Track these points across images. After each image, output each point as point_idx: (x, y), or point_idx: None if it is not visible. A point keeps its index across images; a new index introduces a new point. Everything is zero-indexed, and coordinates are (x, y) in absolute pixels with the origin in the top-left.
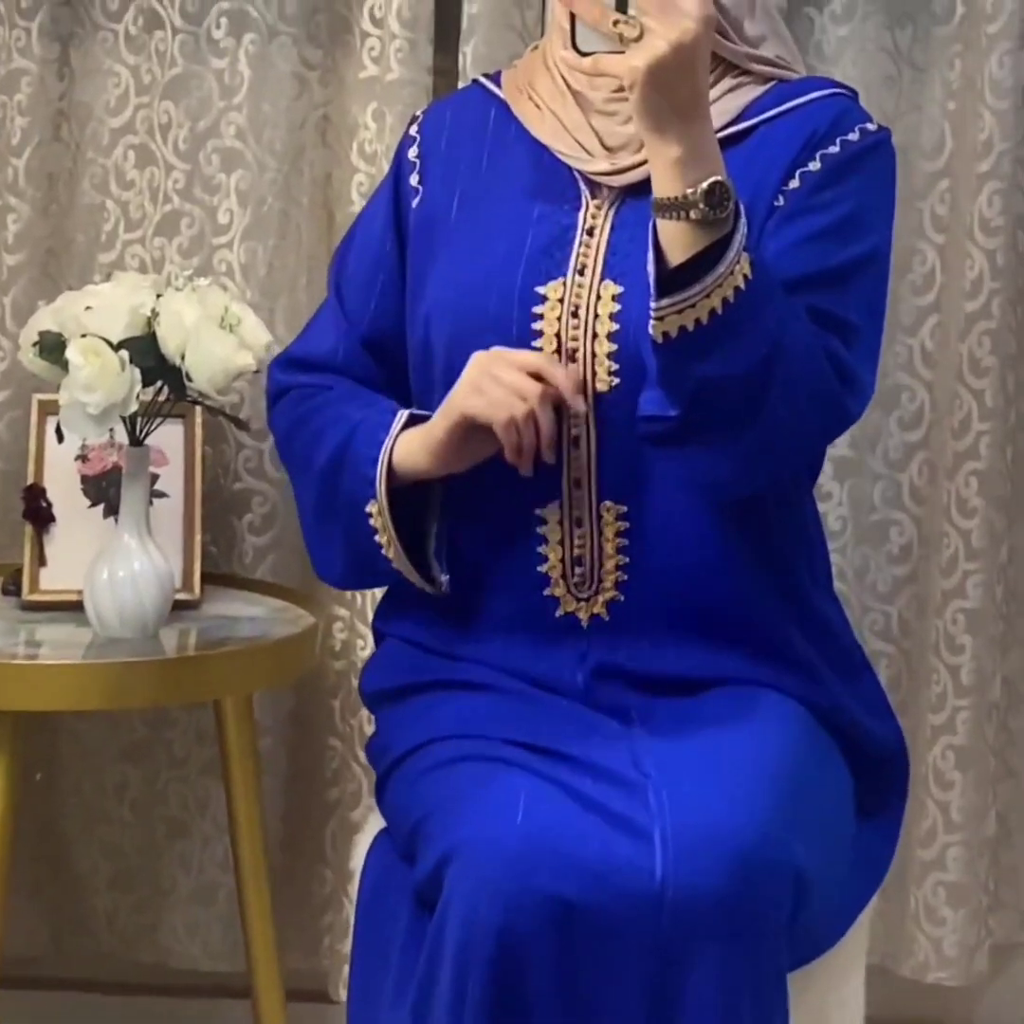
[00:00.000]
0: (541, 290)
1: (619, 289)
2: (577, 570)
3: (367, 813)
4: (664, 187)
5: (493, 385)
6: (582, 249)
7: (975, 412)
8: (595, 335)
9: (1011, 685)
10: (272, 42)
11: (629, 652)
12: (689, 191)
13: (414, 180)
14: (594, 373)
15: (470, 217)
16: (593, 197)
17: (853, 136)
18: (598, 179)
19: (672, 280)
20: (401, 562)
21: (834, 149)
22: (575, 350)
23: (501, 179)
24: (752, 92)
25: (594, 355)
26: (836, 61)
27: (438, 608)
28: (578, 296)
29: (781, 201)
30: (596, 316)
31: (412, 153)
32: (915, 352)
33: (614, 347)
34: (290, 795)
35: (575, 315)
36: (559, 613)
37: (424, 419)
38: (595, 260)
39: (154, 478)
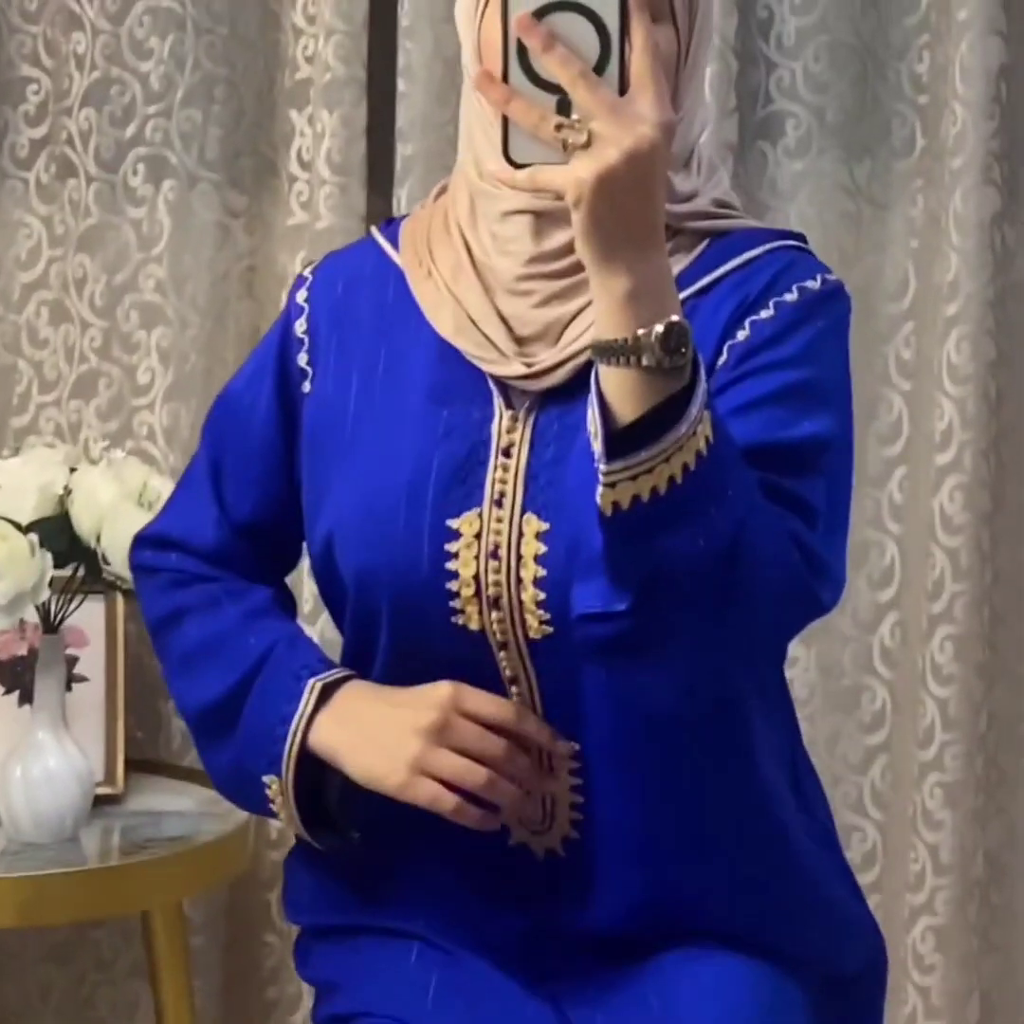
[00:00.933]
0: (454, 524)
1: (544, 525)
2: (527, 807)
3: (309, 1017)
4: (610, 327)
5: (440, 759)
6: (498, 474)
7: (949, 572)
8: (519, 580)
9: (993, 859)
10: (193, 189)
11: (577, 901)
12: (641, 332)
13: (302, 360)
14: (523, 621)
15: (370, 421)
16: (507, 406)
17: (790, 296)
18: (514, 384)
19: (622, 441)
20: (300, 831)
21: (767, 313)
22: (498, 597)
23: (403, 374)
24: (682, 261)
25: (521, 603)
26: (792, 198)
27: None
28: (497, 533)
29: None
30: (519, 557)
31: (300, 327)
32: (883, 506)
33: (541, 595)
34: (225, 997)
35: (494, 556)
36: (512, 842)
37: (339, 682)
38: (514, 488)
39: (72, 661)
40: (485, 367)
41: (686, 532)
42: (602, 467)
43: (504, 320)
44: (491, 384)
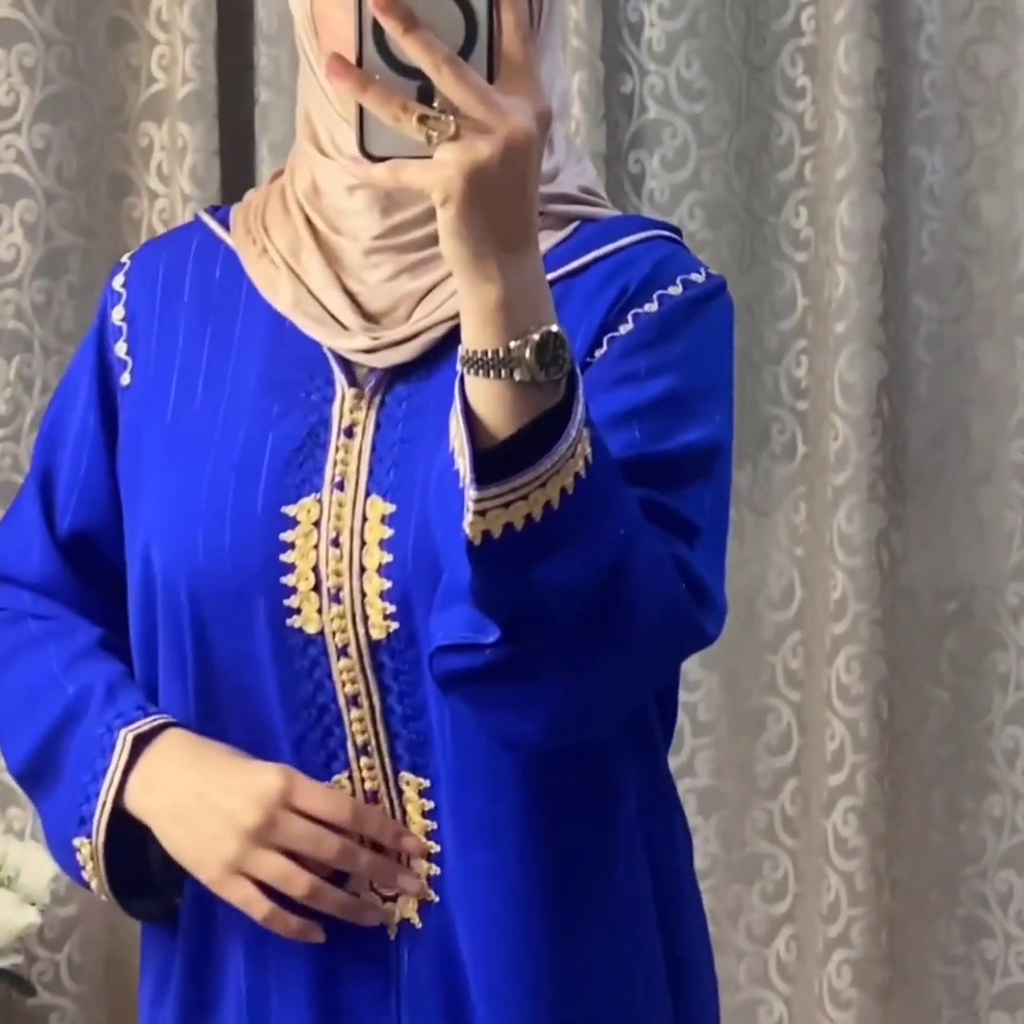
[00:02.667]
0: (290, 511)
1: (390, 508)
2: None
3: None
4: (480, 337)
5: (260, 862)
6: (339, 456)
7: (844, 896)
8: (363, 569)
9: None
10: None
11: (444, 985)
12: (514, 343)
13: (121, 350)
14: (366, 616)
15: (193, 408)
16: (351, 384)
17: (674, 290)
18: (356, 360)
19: (492, 462)
20: (111, 900)
21: (651, 306)
22: (338, 589)
23: (232, 355)
24: (550, 238)
25: (364, 594)
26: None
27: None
28: (338, 518)
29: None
30: (363, 544)
31: (117, 314)
32: (776, 818)
33: (387, 584)
34: None
35: (336, 543)
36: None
37: (154, 731)
38: (357, 470)
39: None
40: (325, 341)
41: (563, 560)
42: (470, 494)
43: (350, 294)
44: (332, 361)
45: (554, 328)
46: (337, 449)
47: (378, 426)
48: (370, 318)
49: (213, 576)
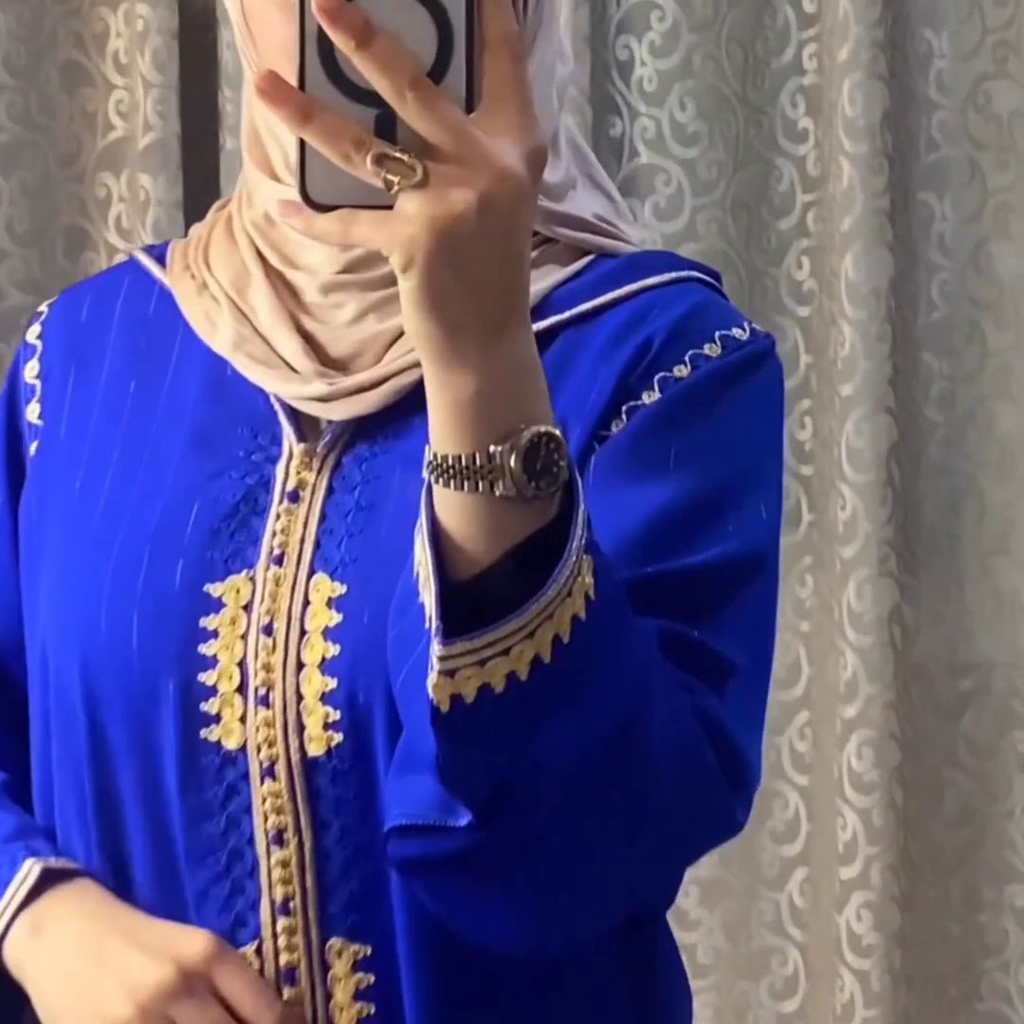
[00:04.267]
0: (214, 591)
1: (338, 588)
2: None
3: None
4: (452, 439)
5: None
6: (280, 524)
7: (859, 996)
8: (301, 665)
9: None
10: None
11: None
12: (495, 448)
13: (32, 413)
14: (301, 726)
15: (107, 473)
16: (300, 439)
17: (710, 349)
18: (307, 410)
19: (464, 601)
20: None
21: (681, 370)
22: (268, 689)
23: (158, 411)
24: (554, 273)
25: (300, 696)
26: None
27: None
28: (274, 600)
29: (594, 451)
30: (302, 634)
31: (30, 371)
32: (783, 908)
33: (331, 683)
34: None
35: (268, 631)
36: None
37: (69, 874)
38: (301, 541)
39: None
40: (271, 387)
41: (555, 730)
42: (437, 647)
43: (306, 337)
44: (280, 413)
45: (548, 428)
46: (278, 516)
47: (330, 490)
48: (331, 364)
49: (114, 674)
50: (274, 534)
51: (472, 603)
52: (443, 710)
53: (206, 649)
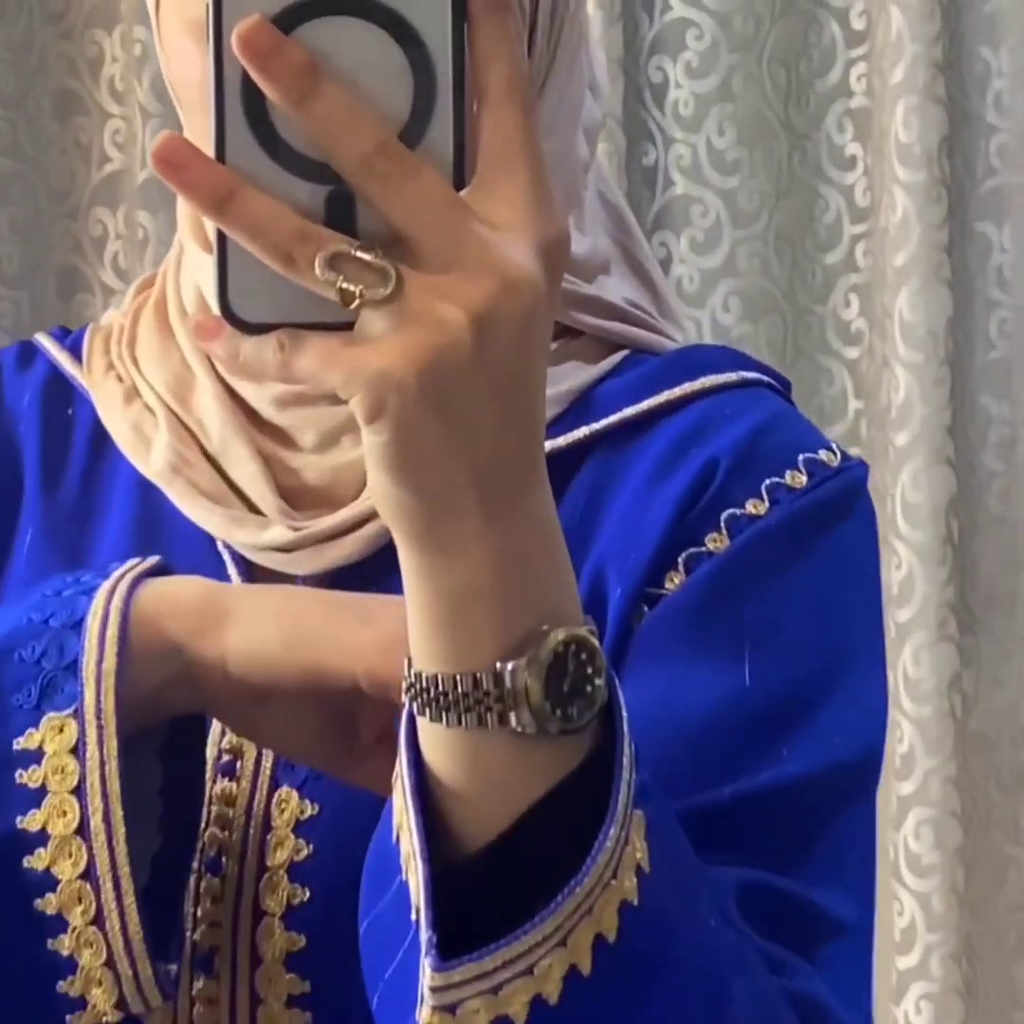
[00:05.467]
0: None
1: (309, 809)
2: None
3: None
4: (440, 652)
5: None
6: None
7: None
8: (260, 915)
9: None
10: None
11: None
12: (505, 666)
13: None
14: (254, 1001)
15: None
16: None
17: (793, 478)
18: (266, 563)
19: (464, 892)
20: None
21: (757, 506)
22: (212, 954)
23: (69, 549)
24: (580, 371)
25: (256, 961)
26: None
27: None
28: (221, 827)
29: (641, 617)
30: (262, 872)
31: None
32: None
33: (300, 941)
34: None
35: (214, 868)
36: None
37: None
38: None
39: None
40: (218, 531)
41: None
42: (429, 973)
43: (263, 459)
44: (228, 564)
45: (577, 631)
46: None
47: None
48: (295, 501)
49: None
50: (223, 732)
51: (477, 894)
52: None
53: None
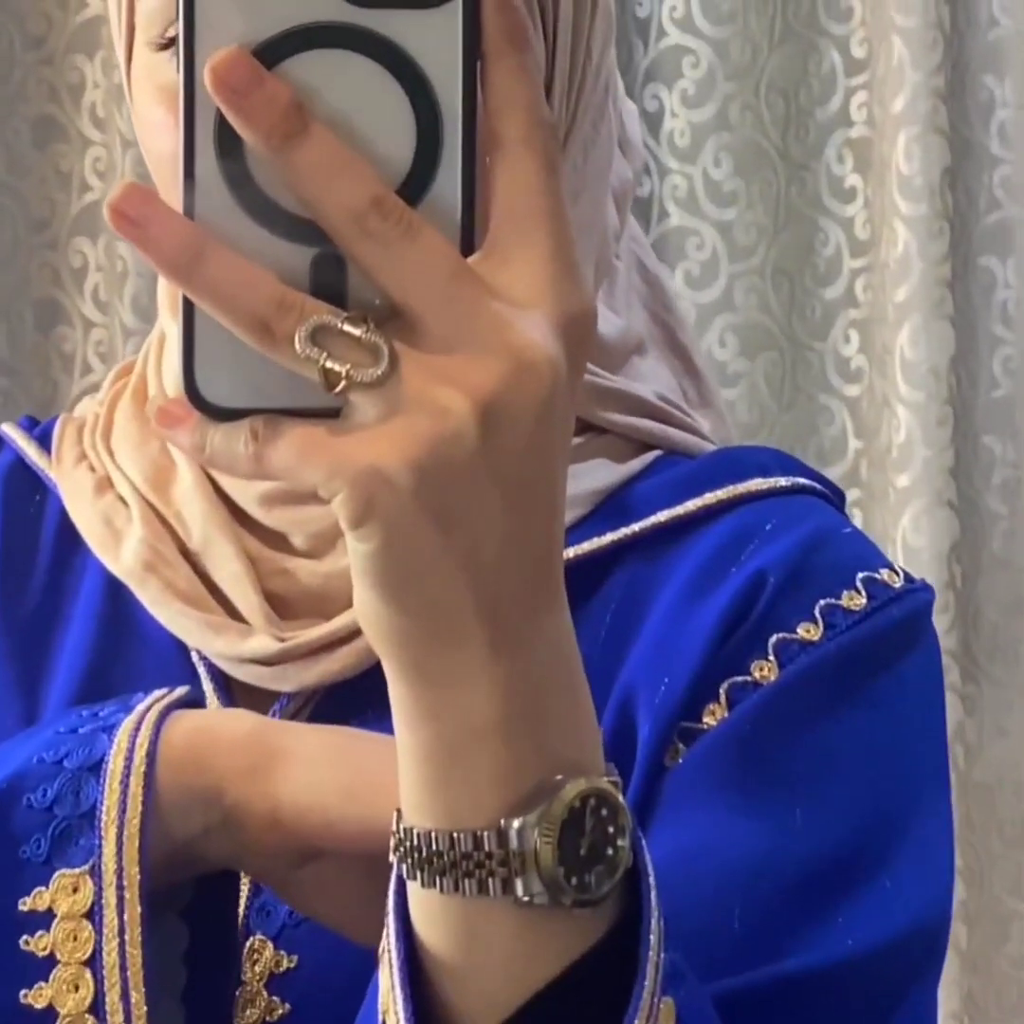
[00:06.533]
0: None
1: (286, 961)
2: None
3: None
4: (435, 806)
5: None
6: None
7: None
8: None
9: None
10: None
11: None
12: (510, 823)
13: None
14: None
15: None
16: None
17: (850, 600)
18: (246, 678)
19: None
20: None
21: (809, 630)
22: None
23: (31, 656)
24: (607, 469)
25: None
26: None
27: None
28: None
29: (676, 755)
30: None
31: None
32: None
33: None
34: None
35: None
36: None
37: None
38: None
39: None
40: (192, 640)
41: None
42: None
43: (250, 559)
44: (203, 677)
45: (599, 782)
46: None
47: None
48: (283, 609)
49: None
50: None
51: None
52: None
53: None
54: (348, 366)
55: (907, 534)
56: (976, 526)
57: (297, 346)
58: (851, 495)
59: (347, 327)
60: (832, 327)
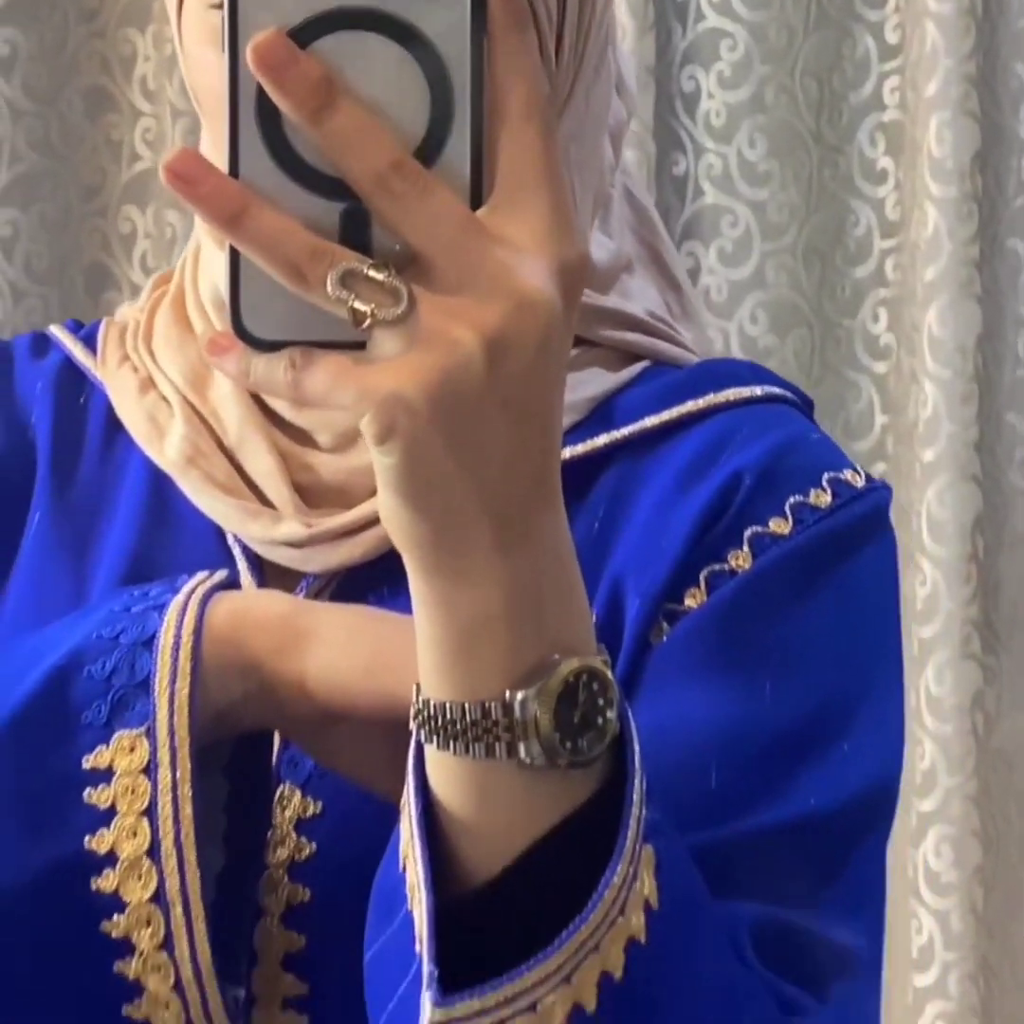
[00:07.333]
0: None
1: (312, 807)
2: None
3: None
4: (450, 681)
5: None
6: None
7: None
8: (258, 915)
9: None
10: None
11: None
12: (515, 695)
13: None
14: (249, 1001)
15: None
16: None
17: (818, 497)
18: (277, 559)
19: (466, 926)
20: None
21: (780, 525)
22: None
23: (77, 538)
24: (601, 378)
25: (252, 961)
26: None
27: None
28: None
29: (660, 634)
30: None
31: None
32: None
33: (299, 942)
34: None
35: None
36: None
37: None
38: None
39: None
40: (230, 525)
41: None
42: (429, 1008)
43: (281, 455)
44: (239, 558)
45: (589, 661)
46: None
47: None
48: (310, 498)
49: None
50: None
51: (482, 927)
52: None
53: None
54: (372, 305)
55: (931, 507)
56: (999, 502)
57: (328, 288)
58: (877, 469)
59: (371, 272)
60: (861, 305)
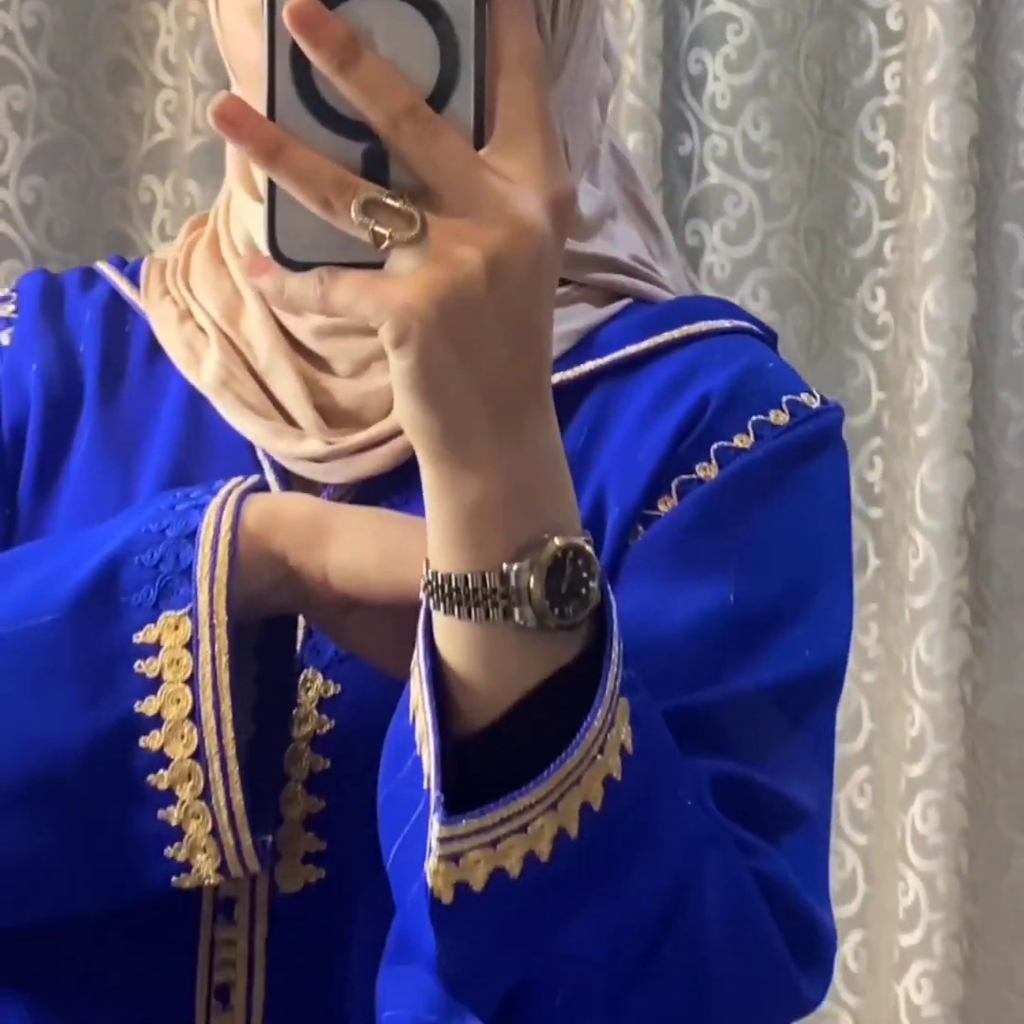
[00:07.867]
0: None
1: (332, 688)
2: None
3: None
4: (455, 554)
5: None
6: None
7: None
8: (283, 780)
9: None
10: None
11: None
12: (511, 567)
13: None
14: (275, 857)
15: (47, 523)
16: None
17: (776, 416)
18: (301, 472)
19: (470, 762)
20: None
21: (743, 440)
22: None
23: (121, 452)
24: (587, 313)
25: (279, 820)
26: None
27: None
28: None
29: (636, 535)
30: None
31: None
32: (837, 972)
33: (319, 804)
34: None
35: None
36: None
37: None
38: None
39: None
40: (260, 441)
41: (582, 919)
42: (437, 827)
43: (304, 381)
44: (268, 471)
45: (575, 540)
46: None
47: None
48: (331, 417)
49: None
50: None
51: (481, 764)
52: (445, 901)
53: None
54: (390, 229)
55: (925, 481)
56: (991, 477)
57: (352, 214)
58: (873, 443)
59: (389, 200)
60: (860, 284)
